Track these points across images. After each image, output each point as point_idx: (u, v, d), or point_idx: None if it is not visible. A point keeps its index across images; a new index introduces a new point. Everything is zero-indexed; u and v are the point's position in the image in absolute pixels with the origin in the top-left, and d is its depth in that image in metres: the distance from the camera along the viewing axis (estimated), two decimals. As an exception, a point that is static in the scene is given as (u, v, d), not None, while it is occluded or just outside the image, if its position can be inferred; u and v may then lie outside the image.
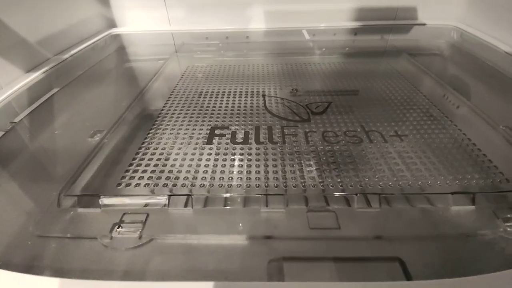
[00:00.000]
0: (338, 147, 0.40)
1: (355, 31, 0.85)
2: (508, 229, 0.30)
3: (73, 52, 0.68)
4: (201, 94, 0.57)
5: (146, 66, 0.74)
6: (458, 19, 0.84)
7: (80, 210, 0.33)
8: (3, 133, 0.47)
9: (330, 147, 0.40)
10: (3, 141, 0.45)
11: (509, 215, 0.31)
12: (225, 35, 0.87)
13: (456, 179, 0.35)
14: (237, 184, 0.35)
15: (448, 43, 0.83)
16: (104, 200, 0.33)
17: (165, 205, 0.32)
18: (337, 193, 0.33)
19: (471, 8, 0.81)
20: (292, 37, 0.86)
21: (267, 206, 0.32)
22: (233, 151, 0.40)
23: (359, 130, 0.44)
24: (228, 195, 0.33)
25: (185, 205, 0.32)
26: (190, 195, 0.33)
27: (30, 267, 0.27)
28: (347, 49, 0.81)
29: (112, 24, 0.86)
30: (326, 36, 0.86)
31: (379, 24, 0.86)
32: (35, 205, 0.34)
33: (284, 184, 0.35)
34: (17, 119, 0.50)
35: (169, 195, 0.32)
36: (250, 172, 0.37)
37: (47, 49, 0.64)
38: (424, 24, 0.86)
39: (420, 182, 0.35)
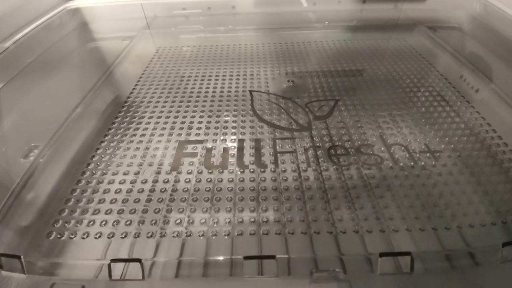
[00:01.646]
0: (349, 171, 0.30)
1: (363, -2, 0.70)
2: None
3: (18, 36, 0.54)
4: (172, 87, 0.44)
5: (109, 46, 0.60)
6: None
7: (4, 273, 0.23)
8: None
9: (338, 173, 0.30)
10: None
11: None
12: (207, 5, 0.71)
13: (501, 215, 0.26)
14: (213, 233, 0.25)
15: (470, 15, 0.69)
16: (28, 263, 0.23)
17: (101, 273, 0.23)
18: (352, 253, 0.23)
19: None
20: (288, 6, 0.71)
21: (261, 274, 0.22)
22: (209, 176, 0.30)
23: (373, 139, 0.33)
24: (205, 258, 0.24)
25: (144, 275, 0.22)
26: (139, 260, 0.22)
27: None
28: (354, 21, 0.67)
29: (67, -5, 0.70)
30: (329, 5, 0.71)
31: (391, -12, 0.71)
32: None
33: (280, 234, 0.25)
34: None
35: (110, 261, 0.22)
36: (235, 212, 0.27)
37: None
38: (443, -9, 0.72)
39: (459, 225, 0.25)
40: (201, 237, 0.25)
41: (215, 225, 0.26)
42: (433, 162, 0.30)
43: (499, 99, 0.40)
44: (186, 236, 0.25)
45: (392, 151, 0.32)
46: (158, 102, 0.41)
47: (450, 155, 0.31)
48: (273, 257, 0.22)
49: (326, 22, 0.65)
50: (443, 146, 0.32)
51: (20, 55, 0.53)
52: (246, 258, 0.22)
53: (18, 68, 0.50)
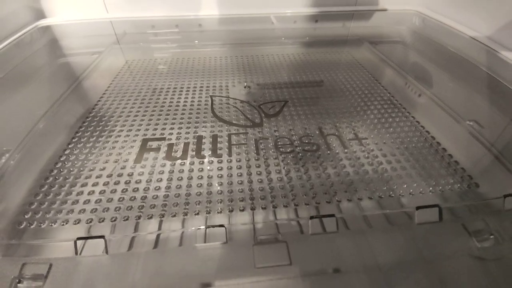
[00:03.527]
0: (293, 155, 0.35)
1: (316, 18, 0.79)
2: (479, 245, 0.26)
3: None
4: (139, 94, 0.48)
5: (78, 61, 0.63)
6: (420, 3, 0.81)
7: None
8: None
9: (283, 157, 0.35)
10: None
11: (480, 229, 0.28)
12: (175, 23, 0.77)
13: (420, 186, 0.32)
14: (172, 214, 0.29)
15: (410, 30, 0.80)
16: (3, 246, 0.25)
17: (73, 250, 0.25)
18: (289, 218, 0.28)
19: (432, -9, 0.78)
20: (248, 25, 0.78)
21: (205, 242, 0.26)
22: (170, 168, 0.33)
23: (317, 133, 0.39)
24: (158, 232, 0.27)
25: (105, 250, 0.25)
26: (103, 237, 0.25)
27: None
28: (307, 38, 0.76)
29: (40, 15, 0.73)
30: (286, 24, 0.79)
31: (340, 10, 0.81)
32: None
33: (230, 209, 0.29)
34: None
35: (76, 238, 0.25)
36: (189, 194, 0.30)
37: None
38: (385, 10, 0.83)
39: (381, 194, 0.31)
40: (150, 219, 0.28)
41: (173, 206, 0.29)
42: (363, 148, 0.36)
43: (434, 104, 0.46)
44: (136, 219, 0.28)
45: (328, 141, 0.37)
46: (124, 108, 0.45)
47: (376, 142, 0.37)
48: (222, 225, 0.26)
49: (283, 38, 0.73)
50: (368, 134, 0.38)
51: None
52: (198, 229, 0.26)
53: None
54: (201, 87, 0.51)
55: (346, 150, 0.36)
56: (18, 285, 0.23)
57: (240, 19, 0.78)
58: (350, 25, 0.81)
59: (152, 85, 0.51)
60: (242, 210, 0.29)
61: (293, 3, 0.79)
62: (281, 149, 0.36)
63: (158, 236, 0.27)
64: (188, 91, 0.49)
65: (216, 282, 0.24)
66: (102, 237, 0.25)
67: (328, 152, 0.36)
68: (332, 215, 0.27)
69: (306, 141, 0.37)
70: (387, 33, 0.80)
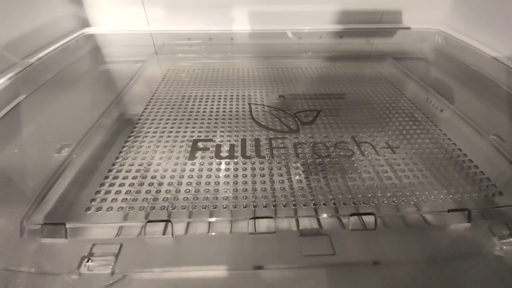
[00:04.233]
0: (329, 160, 0.38)
1: (340, 34, 0.84)
2: (504, 247, 0.29)
3: (41, 55, 0.62)
4: (183, 100, 0.53)
5: (123, 68, 0.69)
6: (443, 23, 0.84)
7: (45, 240, 0.29)
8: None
9: (321, 161, 0.38)
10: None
11: (504, 232, 0.30)
12: (208, 36, 0.83)
13: (449, 193, 0.34)
14: (223, 205, 0.32)
15: (432, 47, 0.83)
16: (71, 229, 0.29)
17: (140, 233, 0.29)
18: (330, 214, 0.31)
19: (456, 12, 0.81)
20: (277, 39, 0.83)
21: (255, 231, 0.29)
22: (218, 167, 0.37)
23: (349, 141, 0.42)
24: (212, 219, 0.30)
25: (164, 233, 0.29)
26: (169, 221, 0.29)
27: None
28: (333, 52, 0.80)
29: (85, 23, 0.80)
30: (312, 39, 0.84)
31: (364, 27, 0.85)
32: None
33: (274, 204, 0.32)
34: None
35: (146, 222, 0.29)
36: (236, 190, 0.34)
37: (14, 53, 0.58)
38: (408, 28, 0.86)
39: (415, 199, 0.33)
40: (204, 209, 0.32)
41: (223, 199, 0.33)
42: (395, 156, 0.39)
43: (458, 118, 0.49)
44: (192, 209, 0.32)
45: (362, 148, 0.40)
46: (171, 112, 0.49)
47: (406, 151, 0.40)
48: (270, 217, 0.29)
49: (310, 53, 0.77)
50: (398, 143, 0.41)
51: (41, 71, 0.61)
52: (251, 218, 0.30)
53: (38, 83, 0.57)
54: (237, 95, 0.55)
55: (378, 158, 0.39)
56: (87, 263, 0.27)
57: (270, 33, 0.83)
58: (374, 41, 0.85)
59: (193, 92, 0.56)
60: (285, 206, 0.32)
61: (319, 20, 0.83)
62: (318, 153, 0.39)
63: (209, 223, 0.30)
64: (226, 99, 0.53)
65: (267, 265, 0.27)
66: (169, 221, 0.29)
67: (361, 158, 0.39)
68: (371, 214, 0.30)
69: (341, 147, 0.40)
70: (410, 50, 0.83)
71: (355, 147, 0.40)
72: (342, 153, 0.39)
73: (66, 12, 0.75)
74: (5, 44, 0.56)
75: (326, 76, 0.64)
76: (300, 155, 0.39)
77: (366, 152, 0.39)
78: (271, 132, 0.43)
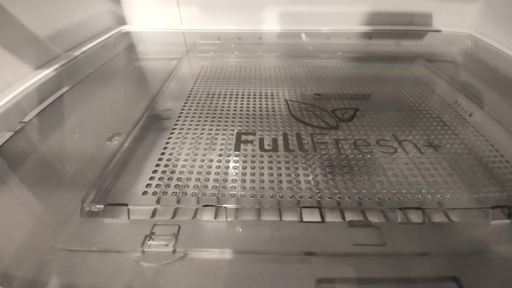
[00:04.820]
0: (369, 156, 0.39)
1: (369, 35, 0.84)
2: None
3: (84, 49, 0.66)
4: (220, 96, 0.55)
5: (159, 65, 0.71)
6: (472, 27, 0.83)
7: (106, 220, 0.31)
8: (12, 133, 0.44)
9: (363, 157, 0.39)
10: (13, 142, 0.42)
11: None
12: (238, 36, 0.85)
13: (490, 191, 0.34)
14: (270, 195, 0.33)
15: (462, 51, 0.83)
16: (133, 210, 0.31)
17: (195, 216, 0.31)
18: (377, 208, 0.32)
19: (485, 16, 0.81)
20: (302, 39, 0.84)
21: (302, 220, 0.30)
22: (262, 159, 0.38)
23: (387, 139, 0.42)
24: (261, 206, 0.32)
25: (217, 217, 0.30)
26: (223, 206, 0.31)
27: (54, 285, 0.25)
28: (362, 53, 0.80)
29: (121, 21, 0.83)
30: (340, 40, 0.84)
31: (394, 29, 0.85)
32: (54, 214, 0.32)
33: (319, 196, 0.33)
34: (26, 119, 0.47)
35: (201, 206, 0.31)
36: (281, 181, 0.35)
37: (57, 45, 0.61)
38: (439, 31, 0.86)
39: (457, 196, 0.34)
40: (252, 198, 0.33)
41: (269, 189, 0.34)
42: (435, 154, 0.40)
43: (492, 120, 0.49)
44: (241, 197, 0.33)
45: (403, 145, 0.41)
46: (209, 107, 0.51)
47: (445, 149, 0.40)
48: (320, 207, 0.31)
49: (339, 53, 0.78)
50: (438, 142, 0.42)
51: (82, 65, 0.64)
52: (299, 207, 0.31)
53: (80, 76, 0.61)
54: (271, 93, 0.56)
55: (419, 156, 0.39)
56: (150, 242, 0.29)
57: (298, 33, 0.84)
58: (403, 43, 0.85)
59: (229, 89, 0.57)
60: (330, 198, 0.33)
61: (348, 21, 0.84)
62: (360, 149, 0.40)
63: (259, 210, 0.32)
64: (261, 96, 0.55)
65: (318, 252, 0.28)
66: (222, 206, 0.30)
67: (402, 156, 0.39)
68: (419, 208, 0.30)
69: (382, 144, 0.41)
70: (439, 52, 0.83)
71: (396, 144, 0.41)
72: (384, 150, 0.40)
73: (104, 10, 0.79)
74: (50, 36, 0.60)
75: (357, 75, 0.65)
76: (342, 150, 0.40)
77: (407, 149, 0.40)
78: (310, 127, 0.44)
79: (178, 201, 0.33)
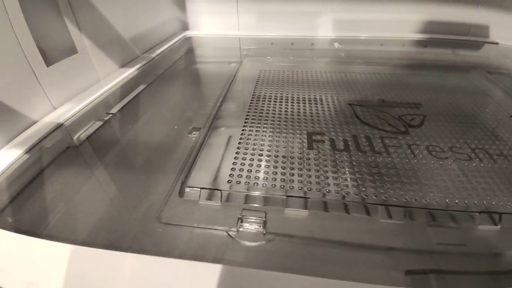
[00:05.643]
0: (441, 162, 0.40)
1: (425, 43, 0.84)
2: None
3: (159, 51, 0.73)
4: (282, 99, 0.58)
5: (219, 67, 0.77)
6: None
7: (201, 202, 0.35)
8: (101, 123, 0.51)
9: (438, 163, 0.40)
10: (103, 131, 0.48)
11: None
12: (290, 41, 0.88)
13: None
14: (354, 192, 0.35)
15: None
16: (224, 195, 0.35)
17: (282, 204, 0.34)
18: (456, 210, 0.33)
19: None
20: (360, 46, 0.86)
21: (390, 217, 0.32)
22: (337, 158, 0.41)
23: (458, 146, 0.43)
24: (345, 201, 0.34)
25: (302, 207, 0.33)
26: (307, 197, 0.33)
27: (163, 253, 0.29)
28: (418, 60, 0.80)
29: (185, 27, 0.91)
30: (395, 47, 0.85)
31: (450, 38, 0.84)
32: (155, 194, 0.36)
33: (406, 198, 0.34)
34: (113, 111, 0.54)
35: (287, 196, 0.34)
36: (364, 180, 0.37)
37: (137, 47, 0.69)
38: (496, 43, 0.83)
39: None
40: (338, 193, 0.36)
41: (343, 186, 0.36)
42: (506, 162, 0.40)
43: None
44: (326, 192, 0.36)
45: (476, 152, 0.41)
46: (274, 108, 0.54)
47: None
48: (402, 206, 0.32)
49: (396, 59, 0.78)
50: (507, 151, 0.41)
51: (155, 66, 0.71)
52: (380, 205, 0.33)
53: (153, 75, 0.67)
54: (332, 97, 0.58)
55: (490, 165, 0.39)
56: (242, 223, 0.32)
57: (350, 40, 0.86)
58: (460, 52, 0.83)
59: (289, 93, 0.60)
60: (416, 200, 0.34)
61: (403, 29, 0.84)
62: (433, 154, 0.41)
63: (345, 205, 0.34)
64: (321, 99, 0.57)
65: (399, 247, 0.30)
66: (306, 198, 0.33)
67: (474, 164, 0.40)
68: (496, 212, 0.31)
69: (456, 151, 0.42)
70: (495, 64, 0.81)
71: (469, 151, 0.41)
72: (457, 156, 0.41)
73: (173, 16, 0.86)
74: (132, 38, 0.67)
75: (414, 82, 0.65)
76: (415, 155, 0.41)
77: (480, 156, 0.40)
78: (378, 131, 0.46)
79: (266, 191, 0.36)
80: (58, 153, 0.42)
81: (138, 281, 0.24)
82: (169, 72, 0.71)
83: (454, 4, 0.82)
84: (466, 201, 0.34)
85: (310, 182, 0.37)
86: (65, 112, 0.47)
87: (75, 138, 0.46)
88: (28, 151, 0.39)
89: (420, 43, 0.84)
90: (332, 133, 0.46)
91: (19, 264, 0.25)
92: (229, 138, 0.46)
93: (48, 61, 0.45)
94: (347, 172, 0.38)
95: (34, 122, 0.44)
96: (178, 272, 0.25)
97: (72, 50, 0.50)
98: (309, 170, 0.39)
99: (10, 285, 0.23)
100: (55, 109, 0.48)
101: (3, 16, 0.38)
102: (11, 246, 0.27)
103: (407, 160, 0.40)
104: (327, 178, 0.37)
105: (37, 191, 0.36)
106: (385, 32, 0.84)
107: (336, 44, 0.84)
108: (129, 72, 0.62)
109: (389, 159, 0.40)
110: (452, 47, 0.84)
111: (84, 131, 0.47)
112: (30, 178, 0.37)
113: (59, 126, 0.45)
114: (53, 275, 0.24)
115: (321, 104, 0.56)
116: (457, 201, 0.34)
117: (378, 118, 0.49)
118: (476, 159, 0.40)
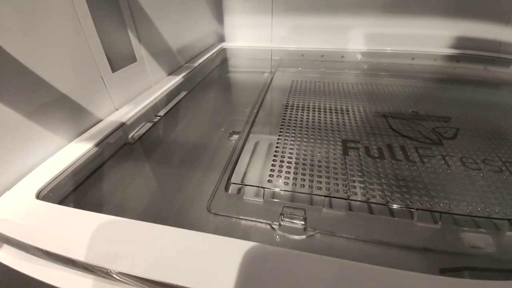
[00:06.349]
0: (474, 174, 0.41)
1: (457, 59, 0.84)
2: None
3: (200, 61, 0.79)
4: (315, 108, 0.61)
5: (253, 77, 0.82)
6: None
7: (245, 198, 0.38)
8: (151, 124, 0.56)
9: (471, 174, 0.41)
10: (153, 131, 0.54)
11: None
12: (320, 54, 0.92)
13: None
14: (382, 196, 0.38)
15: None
16: (267, 192, 0.38)
17: (322, 204, 0.37)
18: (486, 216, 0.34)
19: None
20: (390, 59, 0.88)
21: (432, 221, 0.34)
22: (372, 164, 0.43)
23: (489, 159, 0.44)
24: (390, 205, 0.36)
25: (340, 208, 0.36)
26: (348, 199, 0.36)
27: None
28: (449, 75, 0.81)
29: (221, 38, 0.97)
30: (426, 61, 0.86)
31: (481, 54, 0.84)
32: (203, 189, 0.41)
33: (440, 205, 0.36)
34: (160, 114, 0.59)
35: (326, 196, 0.37)
36: (391, 185, 0.39)
37: (181, 56, 0.75)
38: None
39: None
40: (374, 198, 0.38)
41: (378, 190, 0.39)
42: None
43: None
44: (363, 196, 0.38)
45: (507, 165, 0.42)
46: (307, 117, 0.58)
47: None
48: (439, 211, 0.34)
49: (428, 74, 0.80)
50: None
51: (196, 75, 0.77)
52: (415, 209, 0.35)
53: (193, 83, 0.72)
54: (364, 108, 0.61)
55: (527, 178, 0.40)
56: (284, 218, 0.35)
57: (380, 53, 0.88)
58: (491, 69, 0.83)
59: (322, 103, 0.64)
60: (449, 207, 0.36)
61: (435, 43, 0.86)
62: (466, 165, 0.42)
63: (389, 208, 0.36)
64: (354, 110, 0.60)
65: (434, 249, 0.32)
66: (347, 199, 0.36)
67: (504, 176, 0.41)
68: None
69: (488, 163, 0.43)
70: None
71: (501, 164, 0.43)
72: (490, 168, 0.42)
73: (211, 29, 0.93)
74: (178, 49, 0.73)
75: (446, 96, 0.66)
76: (449, 165, 0.43)
77: (511, 169, 0.41)
78: (412, 141, 0.48)
79: (305, 191, 0.39)
80: (117, 149, 0.48)
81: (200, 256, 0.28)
82: (207, 80, 0.77)
83: (484, 21, 0.83)
84: (497, 210, 0.35)
85: (355, 187, 0.39)
86: (125, 113, 0.53)
87: (130, 136, 0.51)
88: (97, 145, 0.45)
89: (452, 58, 0.84)
90: (365, 142, 0.48)
91: (98, 238, 0.30)
92: (267, 142, 0.50)
93: (113, 68, 0.51)
94: (381, 178, 0.41)
95: (100, 120, 0.50)
96: (230, 249, 0.28)
97: (132, 59, 0.57)
98: (344, 174, 0.41)
99: (95, 257, 0.28)
100: (117, 110, 0.54)
101: (79, 29, 0.45)
102: (87, 223, 0.32)
103: (441, 170, 0.42)
104: (363, 182, 0.40)
105: (100, 180, 0.42)
106: (416, 46, 0.86)
107: (359, 56, 0.87)
108: (176, 79, 0.68)
109: (423, 168, 0.42)
110: (483, 63, 0.84)
111: (137, 130, 0.53)
112: (95, 168, 0.43)
113: (122, 125, 0.51)
114: (130, 247, 0.28)
115: (353, 114, 0.58)
116: (488, 209, 0.36)
117: (411, 130, 0.51)
118: (506, 171, 0.41)
